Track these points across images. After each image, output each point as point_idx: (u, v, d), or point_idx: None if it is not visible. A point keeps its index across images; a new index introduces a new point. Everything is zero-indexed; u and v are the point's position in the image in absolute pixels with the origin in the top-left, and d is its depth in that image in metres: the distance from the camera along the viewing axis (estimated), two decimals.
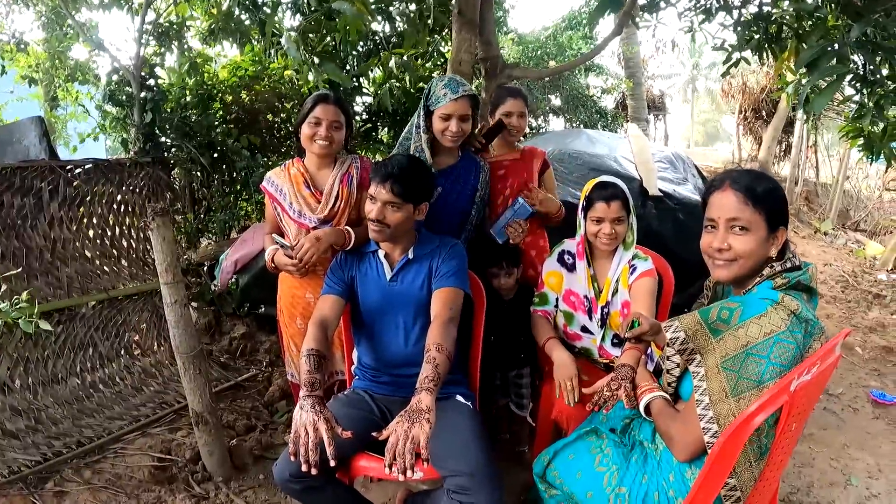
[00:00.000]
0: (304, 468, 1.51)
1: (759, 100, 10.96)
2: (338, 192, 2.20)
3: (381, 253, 2.02)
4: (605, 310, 2.21)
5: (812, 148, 9.99)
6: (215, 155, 4.30)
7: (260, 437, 2.78)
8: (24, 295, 1.95)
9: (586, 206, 2.18)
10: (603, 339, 2.24)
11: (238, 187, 4.55)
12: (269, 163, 4.34)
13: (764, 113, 10.97)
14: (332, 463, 1.53)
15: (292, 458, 1.55)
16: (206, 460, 2.49)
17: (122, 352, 3.23)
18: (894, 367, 3.97)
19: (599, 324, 2.23)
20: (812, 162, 10.19)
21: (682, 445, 1.44)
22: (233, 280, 3.78)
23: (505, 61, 3.50)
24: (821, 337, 1.37)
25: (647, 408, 1.58)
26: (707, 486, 1.38)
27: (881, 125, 4.14)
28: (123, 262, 3.35)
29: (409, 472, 1.46)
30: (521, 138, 2.71)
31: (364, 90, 4.79)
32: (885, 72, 2.81)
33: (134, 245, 3.44)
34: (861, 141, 4.62)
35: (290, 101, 4.69)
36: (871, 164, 8.46)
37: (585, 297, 2.25)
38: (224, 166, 4.43)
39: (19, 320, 1.86)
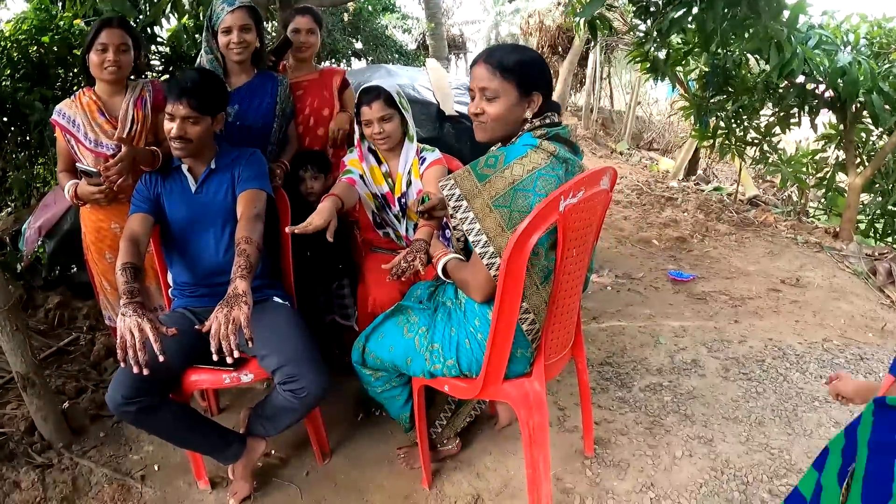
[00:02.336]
0: (135, 370, 1.53)
1: (555, 37, 11.89)
2: (133, 116, 2.19)
3: (184, 167, 2.02)
4: (403, 201, 2.35)
5: (606, 80, 11.02)
6: (5, 119, 3.88)
7: (93, 396, 2.65)
8: None
9: (357, 114, 2.29)
10: (407, 230, 2.39)
11: (34, 148, 4.14)
12: None
13: (560, 49, 11.90)
14: (161, 358, 1.54)
15: (122, 365, 1.55)
16: (41, 428, 2.35)
17: None
18: (688, 252, 4.57)
19: (399, 216, 2.37)
20: (607, 92, 11.26)
21: (476, 285, 1.58)
22: (40, 247, 3.49)
23: None
24: (582, 174, 1.56)
25: (444, 271, 1.71)
26: (504, 313, 1.54)
27: (664, 51, 4.66)
28: None
29: (235, 353, 1.51)
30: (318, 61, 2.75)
31: (159, 39, 4.49)
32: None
33: None
34: (647, 65, 5.18)
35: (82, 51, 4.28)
36: (655, 86, 9.49)
37: (381, 193, 2.36)
38: (14, 127, 4.00)
39: None
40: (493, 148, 1.68)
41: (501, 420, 2.33)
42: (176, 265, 2.13)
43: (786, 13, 3.69)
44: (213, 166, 2.03)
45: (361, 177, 2.34)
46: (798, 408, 2.51)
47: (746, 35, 3.47)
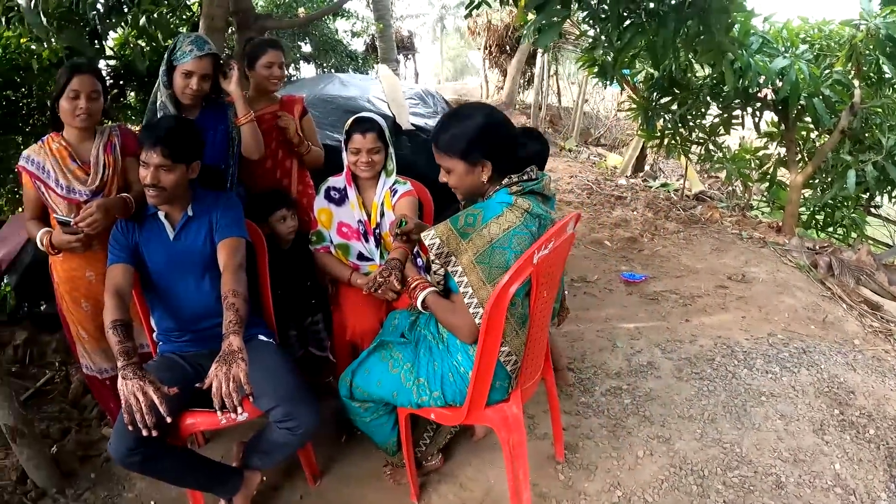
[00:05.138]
0: (144, 433, 1.60)
1: (502, 36, 12.00)
2: (104, 161, 2.17)
3: (161, 214, 2.05)
4: (377, 231, 2.47)
5: (554, 77, 11.20)
6: None
7: (78, 437, 2.65)
8: None
9: (346, 139, 2.40)
10: (381, 258, 2.50)
11: None
12: (21, 143, 3.88)
13: (508, 48, 12.07)
14: (168, 419, 1.62)
15: (129, 429, 1.61)
16: (33, 476, 2.34)
17: None
18: (639, 252, 4.77)
19: (375, 244, 2.48)
20: (554, 89, 11.45)
21: (466, 330, 1.72)
22: (7, 285, 3.42)
23: (256, 13, 3.49)
24: (552, 227, 1.72)
25: (424, 302, 1.83)
26: (486, 355, 1.70)
27: (613, 55, 4.81)
28: None
29: (239, 410, 1.60)
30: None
31: (108, 51, 4.41)
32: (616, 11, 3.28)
33: None
34: (596, 69, 5.34)
35: (30, 72, 4.17)
36: (605, 88, 9.72)
37: (359, 221, 2.48)
38: None
39: None
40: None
41: (478, 433, 2.49)
42: (158, 310, 2.16)
43: (735, 27, 3.89)
44: (190, 213, 2.06)
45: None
46: (747, 403, 2.73)
47: (698, 49, 3.66)
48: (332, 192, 2.53)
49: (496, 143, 1.72)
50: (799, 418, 2.63)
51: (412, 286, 1.86)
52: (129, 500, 2.34)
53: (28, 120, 4.30)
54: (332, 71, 9.67)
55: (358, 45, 11.86)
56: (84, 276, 2.24)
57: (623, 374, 2.99)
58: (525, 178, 1.74)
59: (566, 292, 2.35)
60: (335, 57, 9.93)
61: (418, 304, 1.83)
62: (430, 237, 1.69)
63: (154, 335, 2.24)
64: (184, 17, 4.47)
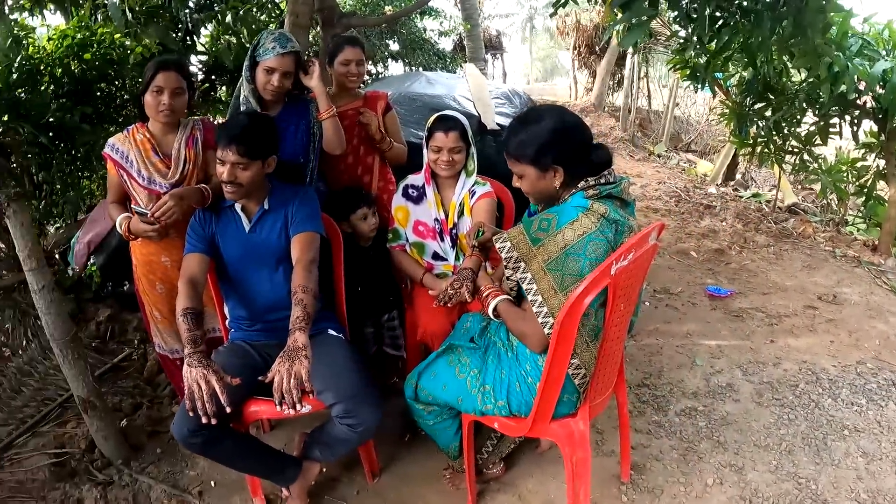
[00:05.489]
0: (203, 420, 1.63)
1: (591, 36, 11.67)
2: (185, 155, 2.21)
3: (237, 206, 2.08)
4: (454, 231, 2.42)
5: (644, 79, 10.80)
6: (51, 133, 3.99)
7: (148, 413, 2.77)
8: None
9: (428, 136, 2.37)
10: (457, 258, 2.45)
11: (79, 165, 4.27)
12: (112, 131, 4.09)
13: (597, 48, 11.70)
14: (228, 410, 1.64)
15: (190, 414, 1.64)
16: (101, 446, 2.47)
17: None
18: (726, 265, 4.53)
19: (451, 244, 2.44)
20: (645, 92, 11.03)
21: (535, 339, 1.66)
22: (91, 265, 3.62)
23: (341, 10, 3.52)
24: (630, 234, 1.63)
25: (496, 310, 1.78)
26: (555, 366, 1.62)
27: (705, 57, 4.59)
28: None
29: (298, 406, 1.61)
30: (362, 84, 2.79)
31: (199, 47, 4.58)
32: (707, 10, 3.12)
33: None
34: (687, 72, 5.12)
35: (124, 66, 4.40)
36: (696, 91, 9.31)
37: (436, 219, 2.44)
38: (63, 144, 4.13)
39: None
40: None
41: (542, 445, 2.41)
42: (231, 299, 2.20)
43: (832, 28, 3.63)
44: (266, 206, 2.08)
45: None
46: (828, 436, 2.52)
47: (795, 52, 3.43)
48: (410, 190, 2.50)
49: (567, 148, 1.64)
50: (882, 457, 2.40)
51: (485, 294, 1.82)
52: (190, 478, 2.41)
53: (121, 111, 4.54)
54: (420, 69, 9.72)
55: (446, 45, 11.85)
56: (160, 260, 2.32)
57: (700, 394, 2.83)
58: (602, 181, 1.65)
59: (646, 303, 2.23)
60: (423, 55, 9.93)
61: (490, 312, 1.78)
62: (501, 241, 1.63)
63: (226, 322, 2.28)
64: (272, 15, 4.58)
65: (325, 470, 2.34)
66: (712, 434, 2.54)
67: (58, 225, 4.42)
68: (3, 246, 3.19)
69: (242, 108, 2.36)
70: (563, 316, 1.52)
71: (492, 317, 1.80)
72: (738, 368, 3.03)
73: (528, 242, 1.60)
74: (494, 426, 1.89)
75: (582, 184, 1.64)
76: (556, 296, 1.56)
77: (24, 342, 3.24)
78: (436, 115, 2.41)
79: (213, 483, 2.37)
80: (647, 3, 2.83)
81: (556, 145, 1.63)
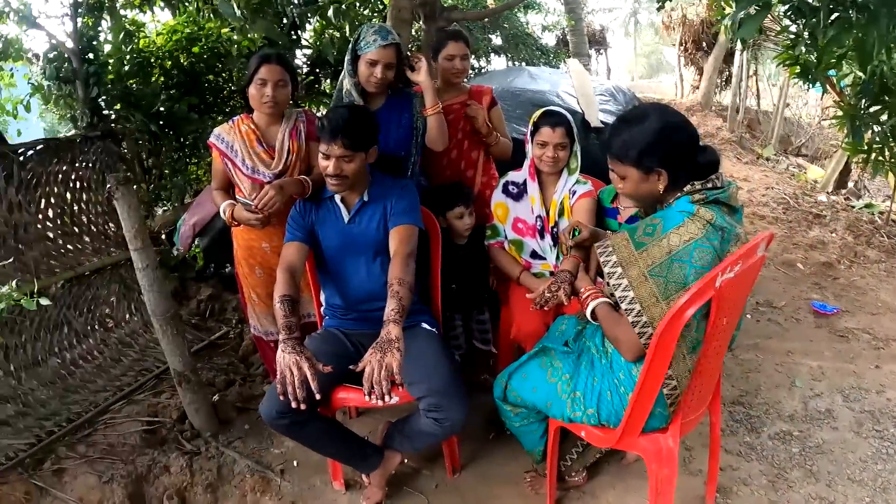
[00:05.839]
0: (293, 405, 1.67)
1: (698, 31, 11.06)
2: (288, 146, 2.29)
3: (337, 197, 2.12)
4: (554, 229, 2.39)
5: (753, 77, 10.19)
6: (161, 122, 4.26)
7: (240, 390, 2.90)
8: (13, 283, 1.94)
9: (534, 131, 2.35)
10: (557, 258, 2.41)
11: (186, 151, 4.53)
12: (218, 121, 4.31)
13: (704, 44, 11.08)
14: (318, 396, 1.68)
15: (281, 398, 1.69)
16: (192, 418, 2.60)
17: (97, 326, 3.26)
18: (833, 280, 4.26)
19: (552, 243, 2.40)
20: (753, 91, 10.40)
21: (629, 346, 1.62)
22: (196, 246, 3.82)
23: (443, 4, 3.53)
24: (737, 242, 1.55)
25: (594, 313, 1.74)
26: (650, 378, 1.57)
27: (816, 54, 4.30)
28: (86, 238, 3.31)
29: (386, 398, 1.61)
30: (465, 79, 2.78)
31: (304, 41, 4.74)
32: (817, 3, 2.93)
33: (94, 219, 3.40)
34: (798, 69, 4.82)
35: (230, 59, 4.63)
36: (807, 90, 8.73)
37: (538, 217, 2.41)
38: (171, 132, 4.39)
39: (21, 300, 1.86)
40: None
41: (628, 457, 2.35)
42: (328, 288, 2.26)
43: None
44: (365, 198, 2.11)
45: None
46: None
47: None
48: (511, 187, 2.49)
49: (673, 150, 1.56)
50: None
51: (584, 295, 1.78)
52: (274, 456, 2.50)
53: (227, 102, 4.78)
54: (523, 64, 9.61)
55: (549, 40, 11.66)
56: (260, 246, 2.42)
57: (797, 418, 2.67)
58: (709, 185, 1.57)
59: (748, 316, 2.11)
60: (525, 50, 9.79)
61: (588, 313, 1.75)
62: (603, 246, 1.59)
63: (322, 309, 2.35)
64: (375, 10, 4.67)
65: (406, 461, 2.37)
66: (805, 462, 2.39)
67: (165, 208, 4.70)
68: (112, 226, 3.40)
69: (345, 101, 2.40)
70: (663, 327, 1.47)
71: (589, 318, 1.76)
72: (839, 393, 2.84)
73: (631, 247, 1.55)
74: (581, 434, 1.86)
75: (688, 188, 1.58)
76: (657, 304, 1.51)
77: (128, 315, 3.45)
78: (542, 109, 2.39)
79: (295, 463, 2.45)
80: None
81: (661, 147, 1.56)
